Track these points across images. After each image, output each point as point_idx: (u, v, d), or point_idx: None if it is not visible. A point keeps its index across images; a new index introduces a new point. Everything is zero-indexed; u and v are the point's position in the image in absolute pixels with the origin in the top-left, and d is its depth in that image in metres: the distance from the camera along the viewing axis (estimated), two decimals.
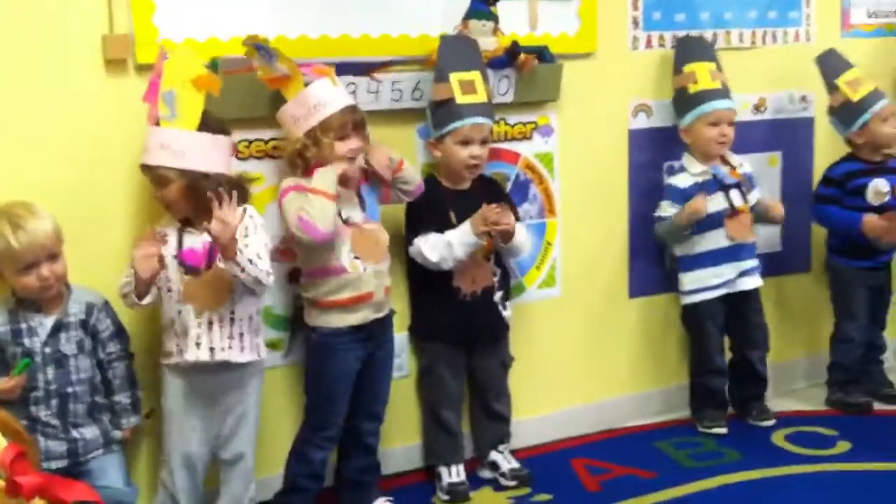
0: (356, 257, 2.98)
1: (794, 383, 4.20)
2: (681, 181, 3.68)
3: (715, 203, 3.64)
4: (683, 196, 3.64)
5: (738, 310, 3.77)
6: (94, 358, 2.73)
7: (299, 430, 3.10)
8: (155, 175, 2.70)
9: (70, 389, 2.66)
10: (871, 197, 3.83)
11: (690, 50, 3.71)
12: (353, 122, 2.93)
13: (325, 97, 2.89)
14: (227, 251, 2.66)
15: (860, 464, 3.47)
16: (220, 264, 2.69)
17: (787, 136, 4.07)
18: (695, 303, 3.73)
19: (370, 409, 3.15)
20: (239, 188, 2.77)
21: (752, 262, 3.76)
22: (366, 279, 3.00)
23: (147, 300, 2.72)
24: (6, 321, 2.62)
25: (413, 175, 3.13)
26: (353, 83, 3.11)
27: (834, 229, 3.96)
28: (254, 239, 2.78)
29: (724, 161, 3.70)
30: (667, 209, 3.66)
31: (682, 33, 3.80)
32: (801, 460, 3.52)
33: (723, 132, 3.63)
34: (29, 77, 2.73)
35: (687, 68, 3.66)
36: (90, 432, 2.70)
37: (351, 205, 3.01)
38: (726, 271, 3.69)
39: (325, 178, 2.86)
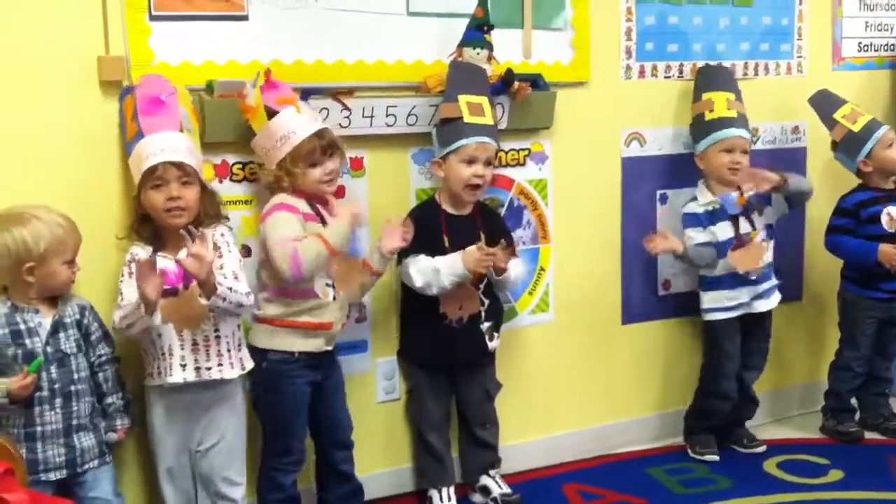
0: (328, 284, 2.99)
1: (788, 411, 4.22)
2: (693, 208, 3.72)
3: (724, 232, 3.67)
4: (699, 220, 3.69)
5: (748, 331, 3.79)
6: (87, 359, 2.74)
7: (264, 457, 3.06)
8: (182, 174, 2.72)
9: (73, 388, 2.67)
10: (886, 224, 3.85)
11: (710, 78, 3.75)
12: (321, 147, 2.93)
13: (291, 127, 2.89)
14: (205, 287, 2.66)
15: (852, 492, 3.47)
16: (202, 300, 2.67)
17: (779, 166, 4.07)
18: (711, 321, 3.76)
19: (337, 440, 3.14)
20: (217, 206, 2.85)
21: (768, 284, 3.76)
22: (330, 308, 2.99)
23: (157, 319, 2.68)
24: (4, 323, 2.63)
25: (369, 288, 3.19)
26: (349, 108, 3.14)
27: (848, 259, 3.97)
28: (228, 258, 2.81)
29: (738, 187, 3.71)
30: (696, 236, 3.68)
31: (674, 64, 3.84)
32: (793, 488, 3.51)
33: (735, 160, 3.65)
34: (23, 96, 2.75)
35: (705, 96, 3.71)
36: (87, 440, 2.70)
37: None
38: (741, 294, 3.71)
39: (339, 233, 2.89)
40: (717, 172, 3.68)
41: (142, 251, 2.76)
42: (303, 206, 2.95)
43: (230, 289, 2.72)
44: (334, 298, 3.00)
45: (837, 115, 3.91)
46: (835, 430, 4.00)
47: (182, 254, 2.67)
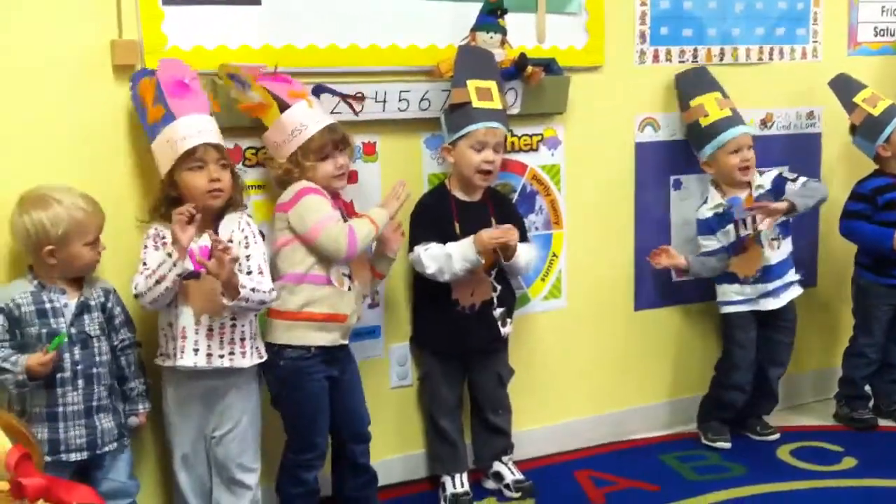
0: (345, 274, 2.99)
1: (801, 398, 4.20)
2: (704, 213, 3.72)
3: (729, 235, 3.67)
4: (711, 226, 3.70)
5: (767, 327, 3.78)
6: (109, 343, 2.75)
7: (285, 452, 3.05)
8: (219, 156, 2.75)
9: (95, 370, 2.67)
10: None
11: (691, 84, 3.73)
12: (333, 141, 2.94)
13: (303, 120, 2.90)
14: (228, 289, 2.67)
15: (866, 480, 3.46)
16: (224, 301, 2.67)
17: (794, 151, 4.07)
18: (725, 313, 3.77)
19: (355, 432, 3.13)
20: (242, 191, 2.86)
21: (779, 282, 3.73)
22: (346, 300, 2.99)
23: (188, 264, 2.67)
24: (31, 301, 2.63)
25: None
26: (361, 91, 3.13)
27: (864, 245, 3.95)
28: (254, 250, 2.81)
29: (749, 184, 3.70)
30: (704, 244, 3.72)
31: (689, 49, 3.81)
32: (807, 476, 3.51)
33: (744, 157, 3.64)
34: (37, 80, 2.75)
35: (694, 103, 3.68)
36: (108, 422, 2.71)
37: None
38: (747, 291, 3.71)
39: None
40: (728, 175, 3.67)
41: (165, 230, 2.74)
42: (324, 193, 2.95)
43: (253, 290, 2.73)
44: (349, 289, 2.99)
45: (857, 99, 3.88)
46: (848, 417, 3.99)
47: (206, 240, 2.68)
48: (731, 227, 3.67)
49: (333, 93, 3.09)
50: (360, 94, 3.13)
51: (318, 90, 3.05)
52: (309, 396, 2.98)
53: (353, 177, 3.16)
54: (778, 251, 3.72)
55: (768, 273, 3.71)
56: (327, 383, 3.01)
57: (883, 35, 4.29)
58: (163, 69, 2.78)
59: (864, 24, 4.24)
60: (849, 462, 3.62)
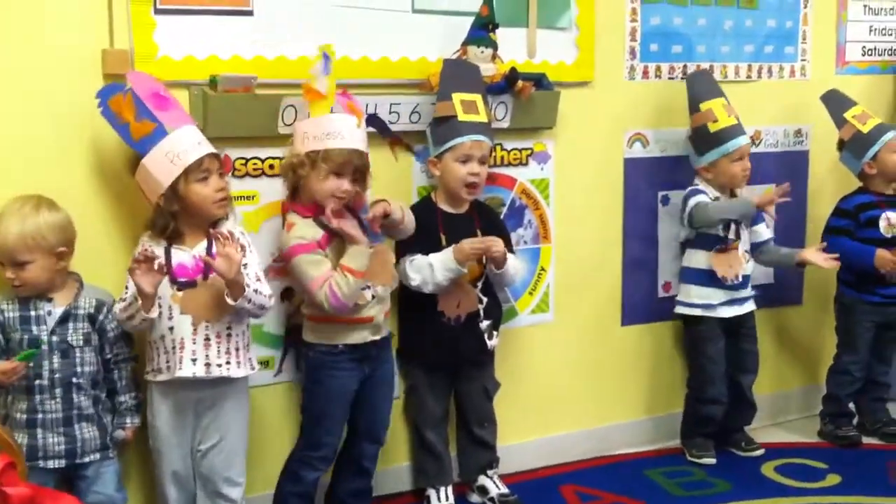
0: (363, 288, 2.96)
1: (786, 415, 4.22)
2: (704, 198, 3.68)
3: (715, 229, 3.67)
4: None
5: (733, 335, 3.78)
6: (101, 356, 2.73)
7: (293, 448, 3.09)
8: (219, 164, 2.77)
9: (75, 380, 2.66)
10: (884, 229, 3.85)
11: (703, 87, 3.72)
12: (356, 166, 2.92)
13: (342, 131, 2.89)
14: (234, 287, 2.67)
15: (849, 497, 3.47)
16: (229, 300, 2.68)
17: (781, 169, 4.09)
18: (689, 317, 3.75)
19: (371, 432, 3.14)
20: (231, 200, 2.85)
21: (745, 293, 3.76)
22: (369, 306, 3.00)
23: (154, 313, 2.68)
24: (17, 307, 2.64)
25: (410, 227, 3.15)
26: (410, 143, 3.21)
27: (846, 261, 3.94)
28: (250, 258, 2.81)
29: (733, 194, 3.73)
30: (702, 198, 3.65)
31: (678, 65, 3.83)
32: (791, 492, 3.52)
33: (745, 166, 3.67)
34: (27, 89, 2.74)
35: (703, 106, 3.67)
36: (89, 431, 2.69)
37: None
38: (711, 294, 3.70)
39: (359, 258, 2.90)
40: (727, 181, 3.69)
41: (156, 245, 2.74)
42: (313, 231, 2.92)
43: (256, 291, 2.74)
44: (373, 297, 3.00)
45: (848, 115, 3.92)
46: (833, 434, 4.00)
47: (200, 249, 2.71)
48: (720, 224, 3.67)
49: (384, 131, 3.11)
50: (406, 142, 3.18)
51: (372, 121, 3.06)
52: (328, 392, 3.00)
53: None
54: (749, 262, 3.76)
55: (745, 279, 3.73)
56: (355, 386, 3.03)
57: (871, 54, 4.33)
58: (136, 82, 2.75)
59: (852, 43, 4.28)
60: (833, 479, 3.63)
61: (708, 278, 3.69)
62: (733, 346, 3.80)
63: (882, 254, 3.79)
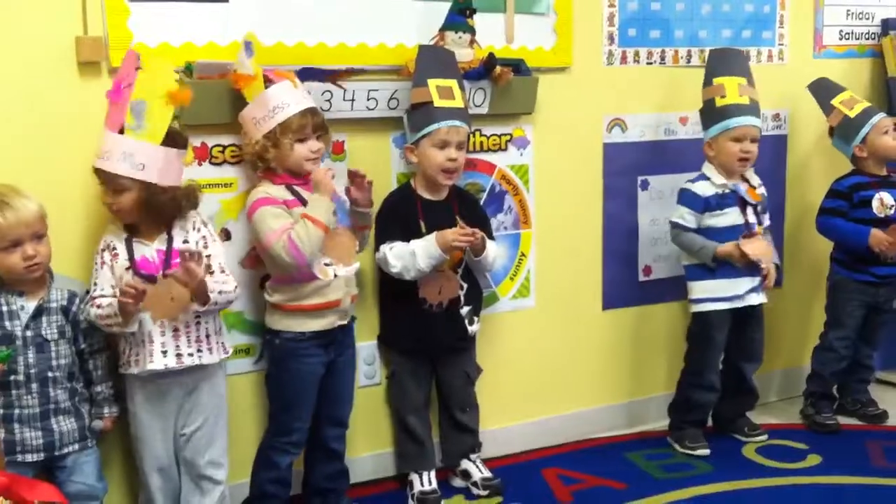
0: (327, 263, 2.99)
1: (767, 397, 4.22)
2: (701, 189, 3.62)
3: (732, 218, 3.62)
4: (703, 205, 3.61)
5: (742, 323, 3.73)
6: (74, 346, 2.72)
7: (264, 435, 3.11)
8: (111, 182, 2.67)
9: (51, 374, 2.65)
10: (877, 209, 3.85)
11: (722, 63, 3.67)
12: (314, 124, 2.95)
13: (285, 99, 2.90)
14: (199, 296, 2.68)
15: (830, 477, 3.49)
16: (195, 306, 2.69)
17: (760, 153, 4.06)
18: (704, 312, 3.68)
19: (334, 416, 3.15)
20: (191, 196, 2.79)
21: (759, 279, 3.69)
22: (334, 286, 3.00)
23: (134, 327, 2.69)
24: None
25: (364, 242, 3.18)
26: (329, 91, 3.13)
27: (840, 241, 3.97)
28: (214, 249, 2.82)
29: (744, 179, 3.68)
30: (686, 217, 3.61)
31: (656, 50, 3.84)
32: (772, 473, 3.54)
33: (745, 149, 3.60)
34: (0, 76, 2.73)
35: (717, 80, 3.63)
36: (67, 424, 2.69)
37: None
38: (737, 286, 3.65)
39: (320, 206, 2.89)
40: (725, 161, 3.62)
41: (116, 239, 2.75)
42: (282, 193, 2.94)
43: (220, 292, 2.74)
44: (335, 276, 3.00)
45: (835, 101, 3.93)
46: (812, 419, 3.99)
47: (160, 242, 2.73)
48: (736, 209, 3.61)
49: (319, 73, 3.08)
50: (345, 70, 3.13)
51: (303, 74, 3.05)
52: (295, 379, 3.01)
53: None
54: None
55: (756, 267, 3.65)
56: (322, 370, 3.04)
57: (848, 38, 4.34)
58: (122, 65, 2.72)
59: (830, 27, 4.28)
60: (813, 459, 3.65)
61: (734, 270, 3.61)
62: (743, 333, 3.75)
63: (877, 233, 3.81)
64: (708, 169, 3.67)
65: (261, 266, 3.11)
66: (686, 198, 3.65)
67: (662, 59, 3.86)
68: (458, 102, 3.21)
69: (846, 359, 4.02)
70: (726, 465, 3.61)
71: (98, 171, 2.69)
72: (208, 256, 2.76)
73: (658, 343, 3.99)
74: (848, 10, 4.32)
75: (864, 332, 4.03)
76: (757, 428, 3.88)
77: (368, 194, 3.10)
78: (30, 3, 2.75)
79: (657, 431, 3.90)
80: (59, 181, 2.81)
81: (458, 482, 3.46)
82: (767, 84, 4.07)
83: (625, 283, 3.91)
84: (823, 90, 3.98)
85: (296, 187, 2.97)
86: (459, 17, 3.31)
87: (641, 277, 3.93)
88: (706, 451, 3.72)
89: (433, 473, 3.39)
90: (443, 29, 3.31)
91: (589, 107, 3.75)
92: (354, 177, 3.07)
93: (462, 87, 3.25)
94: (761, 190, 3.72)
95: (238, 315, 3.13)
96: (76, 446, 2.71)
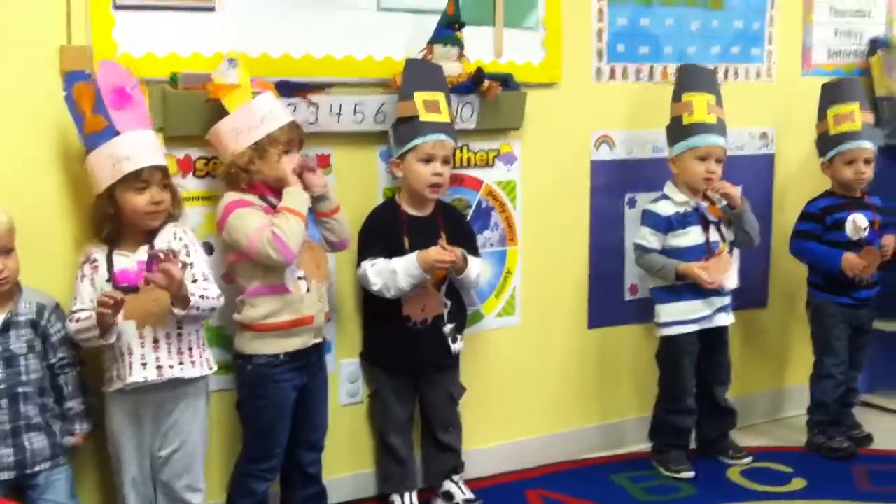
0: (300, 277, 2.93)
1: (751, 419, 4.19)
2: (662, 209, 3.59)
3: (693, 237, 3.58)
4: (666, 224, 3.57)
5: (709, 346, 3.70)
6: (45, 361, 2.66)
7: (238, 461, 3.03)
8: (162, 176, 2.69)
9: (21, 389, 2.58)
10: (851, 231, 3.81)
11: (691, 79, 3.63)
12: (299, 138, 2.92)
13: (273, 110, 2.86)
14: (178, 301, 2.63)
15: (815, 501, 3.46)
16: (176, 310, 2.64)
17: (746, 172, 4.07)
18: (671, 336, 3.64)
19: (309, 440, 3.09)
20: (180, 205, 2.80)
21: (727, 299, 3.69)
22: (308, 302, 2.95)
23: (112, 339, 2.64)
24: None
25: (343, 228, 3.08)
26: (316, 103, 3.07)
27: (814, 265, 3.93)
28: (196, 257, 2.77)
29: (706, 197, 3.63)
30: (649, 238, 3.58)
31: (645, 66, 3.81)
32: (756, 496, 3.50)
33: (710, 168, 3.55)
34: None
35: (685, 97, 3.58)
36: (39, 441, 2.62)
37: None
38: (703, 307, 3.61)
39: (298, 198, 2.85)
40: (689, 179, 3.58)
41: (98, 251, 2.70)
42: (256, 200, 2.89)
43: (202, 297, 2.69)
44: (308, 290, 2.94)
45: (830, 111, 3.87)
46: (825, 446, 3.89)
47: (141, 254, 2.66)
48: (697, 227, 3.58)
49: (296, 86, 3.02)
50: (320, 85, 3.07)
51: (281, 87, 2.99)
52: (272, 405, 2.95)
53: None
54: (735, 266, 3.70)
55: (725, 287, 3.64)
56: (295, 394, 2.98)
57: (836, 57, 4.33)
58: (103, 73, 2.68)
59: (819, 45, 4.28)
60: (798, 483, 3.62)
61: (696, 291, 3.58)
62: (708, 356, 3.72)
63: (849, 257, 3.76)
64: (669, 188, 3.65)
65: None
66: (648, 218, 3.63)
67: (651, 75, 3.83)
68: (444, 117, 3.16)
69: (844, 383, 3.94)
70: (711, 487, 3.57)
71: (143, 172, 2.65)
72: (190, 265, 2.70)
73: (644, 363, 3.93)
74: (836, 29, 4.32)
75: (849, 355, 3.96)
76: (741, 451, 3.84)
77: (321, 180, 3.01)
78: (14, 11, 2.69)
79: (643, 453, 3.86)
80: (39, 189, 2.75)
81: (440, 503, 3.41)
82: (755, 101, 4.08)
83: (611, 302, 3.87)
84: (833, 93, 3.89)
85: (269, 197, 2.90)
86: (448, 31, 3.28)
87: (628, 296, 3.89)
88: (691, 474, 3.67)
89: (415, 494, 3.34)
90: (431, 42, 3.28)
91: (577, 123, 3.71)
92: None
93: (449, 102, 3.21)
94: (722, 204, 3.62)
95: (220, 330, 3.06)
96: (48, 464, 2.64)
